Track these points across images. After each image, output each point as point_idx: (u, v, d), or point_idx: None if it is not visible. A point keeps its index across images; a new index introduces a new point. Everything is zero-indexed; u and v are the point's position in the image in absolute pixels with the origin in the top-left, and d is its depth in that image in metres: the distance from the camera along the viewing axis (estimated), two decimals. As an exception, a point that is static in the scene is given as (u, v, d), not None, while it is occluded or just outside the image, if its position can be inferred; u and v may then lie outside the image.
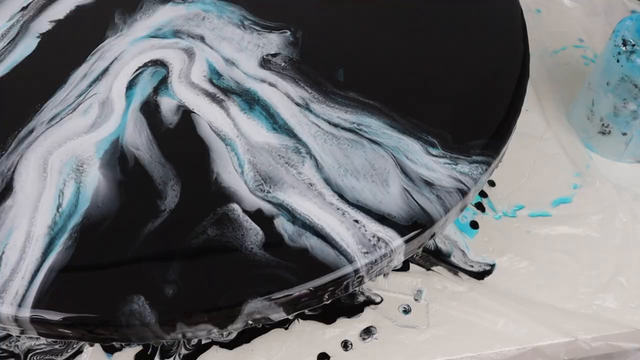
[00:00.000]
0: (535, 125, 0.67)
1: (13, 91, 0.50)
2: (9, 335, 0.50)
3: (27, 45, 0.53)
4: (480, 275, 0.55)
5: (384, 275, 0.44)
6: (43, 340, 0.50)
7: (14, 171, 0.45)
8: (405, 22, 0.56)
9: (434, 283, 0.54)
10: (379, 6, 0.57)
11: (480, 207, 0.59)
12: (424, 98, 0.50)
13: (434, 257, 0.56)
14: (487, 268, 0.55)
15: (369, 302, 0.53)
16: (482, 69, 0.53)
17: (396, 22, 0.56)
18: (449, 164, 0.46)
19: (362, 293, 0.53)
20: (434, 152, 0.46)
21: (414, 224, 0.43)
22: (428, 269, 0.55)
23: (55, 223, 0.42)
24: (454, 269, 0.55)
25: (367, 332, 0.51)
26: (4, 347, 0.50)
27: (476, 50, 0.54)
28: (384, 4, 0.57)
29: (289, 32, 0.54)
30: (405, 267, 0.55)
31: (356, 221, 0.42)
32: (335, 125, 0.48)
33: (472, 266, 0.55)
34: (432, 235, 0.45)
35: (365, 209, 0.43)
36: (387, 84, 0.51)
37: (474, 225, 0.58)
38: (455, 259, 0.56)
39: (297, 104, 0.49)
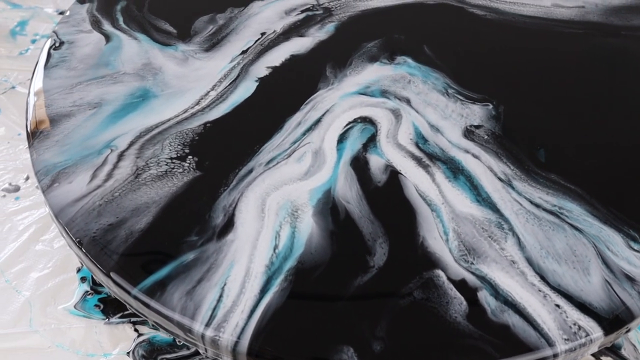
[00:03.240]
0: None
1: (234, 130, 0.54)
2: (195, 354, 0.53)
3: (247, 88, 0.57)
4: (651, 372, 0.54)
5: (573, 362, 0.45)
6: (223, 364, 0.53)
7: (235, 207, 0.48)
8: (604, 109, 0.57)
9: (604, 372, 0.54)
10: (581, 92, 0.58)
11: (654, 301, 0.59)
12: (624, 188, 0.51)
13: (605, 347, 0.55)
14: (659, 366, 0.55)
15: (538, 380, 0.53)
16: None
17: (595, 109, 0.57)
18: (650, 261, 0.46)
19: (531, 370, 0.54)
20: (636, 246, 0.47)
21: (615, 318, 0.43)
22: (597, 358, 0.55)
23: (272, 263, 0.45)
24: (625, 361, 0.55)
25: (534, 411, 0.52)
26: (189, 364, 0.53)
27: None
28: (588, 91, 0.58)
29: (491, 106, 0.56)
30: (575, 351, 0.55)
31: (557, 306, 0.43)
32: (537, 206, 0.49)
33: (643, 361, 0.55)
34: (627, 331, 0.45)
35: (566, 295, 0.44)
36: (588, 169, 0.52)
37: (647, 319, 0.57)
38: (626, 352, 0.55)
39: (500, 179, 0.50)
